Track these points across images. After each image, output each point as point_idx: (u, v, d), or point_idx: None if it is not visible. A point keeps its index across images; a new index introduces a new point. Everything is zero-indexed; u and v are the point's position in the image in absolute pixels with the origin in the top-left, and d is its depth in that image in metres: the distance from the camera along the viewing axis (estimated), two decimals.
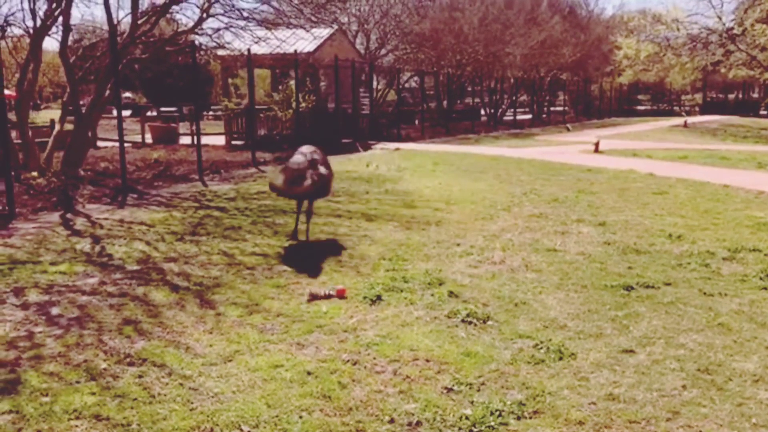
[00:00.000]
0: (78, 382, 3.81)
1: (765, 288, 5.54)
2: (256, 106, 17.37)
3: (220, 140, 19.80)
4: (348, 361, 4.11)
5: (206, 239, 7.43)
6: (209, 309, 5.07)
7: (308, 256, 6.69)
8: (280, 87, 19.32)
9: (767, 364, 4.00)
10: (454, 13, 29.95)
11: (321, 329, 4.64)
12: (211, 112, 30.80)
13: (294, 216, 7.77)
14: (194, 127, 15.41)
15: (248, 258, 6.61)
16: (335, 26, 20.06)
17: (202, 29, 13.24)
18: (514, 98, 36.57)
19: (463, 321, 4.76)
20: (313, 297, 5.32)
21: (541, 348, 4.27)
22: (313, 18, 14.88)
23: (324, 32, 19.52)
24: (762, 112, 46.50)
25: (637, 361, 4.08)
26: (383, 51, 28.78)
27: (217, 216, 8.89)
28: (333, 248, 7.03)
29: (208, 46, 13.94)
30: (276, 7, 13.11)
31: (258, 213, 9.08)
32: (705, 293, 5.42)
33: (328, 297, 5.32)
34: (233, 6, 11.94)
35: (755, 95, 53.26)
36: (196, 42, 13.79)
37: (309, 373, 3.92)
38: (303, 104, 18.13)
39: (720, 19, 35.20)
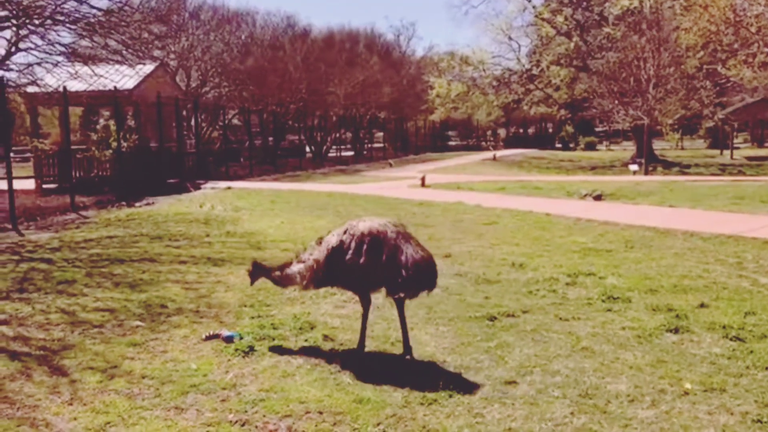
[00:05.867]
0: None
1: (610, 310, 5.99)
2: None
3: (29, 184, 18.06)
4: (236, 422, 3.83)
5: (38, 296, 6.66)
6: (62, 376, 4.50)
7: (162, 308, 6.21)
8: (98, 126, 18.06)
9: (636, 384, 4.29)
10: (277, 52, 30.05)
11: (196, 389, 4.29)
12: (12, 154, 28.06)
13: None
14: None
15: (93, 315, 6.00)
16: (158, 62, 19.21)
17: (10, 63, 12.03)
18: (338, 135, 37.25)
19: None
20: (209, 337, 5.22)
21: (430, 387, 4.26)
22: (128, 54, 14.02)
23: (146, 68, 18.63)
24: (558, 145, 51.39)
25: (522, 392, 4.19)
26: (206, 88, 28.08)
27: (44, 269, 8.02)
28: (187, 298, 6.60)
29: (19, 83, 12.66)
30: (98, 42, 12.23)
31: (91, 263, 8.33)
32: (561, 318, 5.75)
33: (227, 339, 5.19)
34: (50, 41, 10.90)
35: (550, 130, 58.63)
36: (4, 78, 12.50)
37: None
38: (124, 144, 17.11)
39: (519, 60, 38.73)
